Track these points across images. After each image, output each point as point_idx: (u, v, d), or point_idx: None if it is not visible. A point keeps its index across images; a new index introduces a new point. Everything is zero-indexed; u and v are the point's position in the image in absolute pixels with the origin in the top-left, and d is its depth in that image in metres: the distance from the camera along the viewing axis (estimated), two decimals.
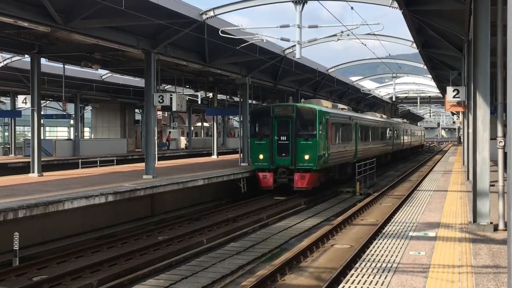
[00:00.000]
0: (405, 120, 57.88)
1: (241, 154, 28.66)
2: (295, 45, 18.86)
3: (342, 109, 30.05)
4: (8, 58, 28.54)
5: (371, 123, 35.18)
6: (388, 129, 42.23)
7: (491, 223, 10.63)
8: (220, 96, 42.01)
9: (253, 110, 25.65)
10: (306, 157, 22.48)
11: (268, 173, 23.02)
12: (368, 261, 8.53)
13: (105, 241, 14.32)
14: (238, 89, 31.32)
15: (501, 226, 10.64)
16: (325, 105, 26.40)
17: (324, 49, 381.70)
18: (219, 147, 42.02)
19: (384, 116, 45.53)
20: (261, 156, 23.20)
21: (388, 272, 7.80)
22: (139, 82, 36.87)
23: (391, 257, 8.72)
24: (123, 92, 42.07)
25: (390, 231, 10.97)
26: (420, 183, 23.41)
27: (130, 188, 16.71)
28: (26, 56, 23.04)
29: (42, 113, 27.67)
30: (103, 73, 35.37)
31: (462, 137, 36.48)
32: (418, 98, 58.74)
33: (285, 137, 22.97)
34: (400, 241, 9.92)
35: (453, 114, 75.44)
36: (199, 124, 68.97)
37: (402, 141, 50.27)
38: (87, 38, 19.23)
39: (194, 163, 31.22)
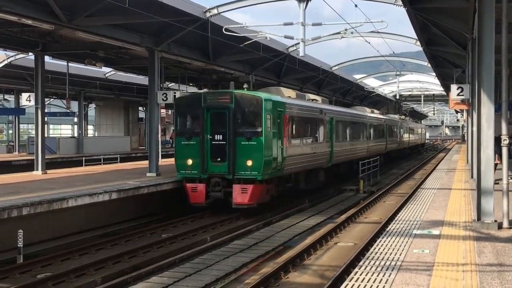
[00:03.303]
0: (403, 117, 53.93)
1: None
2: (298, 43, 18.83)
3: (312, 100, 24.67)
4: (12, 56, 28.63)
5: (355, 119, 30.11)
6: (380, 126, 37.55)
7: (495, 221, 10.61)
8: None
9: (179, 99, 19.49)
10: (249, 163, 17.15)
11: (199, 184, 17.64)
12: (372, 259, 8.52)
13: (109, 239, 14.34)
14: (242, 86, 31.28)
15: (505, 224, 10.62)
16: (287, 95, 21.39)
17: (326, 46, 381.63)
18: None
19: (376, 111, 41.27)
20: (189, 162, 17.83)
21: (392, 270, 7.79)
22: (142, 80, 36.91)
23: (395, 255, 8.71)
24: (126, 90, 42.16)
25: (393, 229, 10.96)
26: (424, 181, 23.37)
27: (133, 186, 16.74)
28: (30, 54, 23.13)
29: (46, 111, 27.71)
30: (106, 71, 35.43)
31: (466, 135, 36.49)
32: (422, 96, 58.71)
33: (221, 136, 17.60)
34: (404, 239, 9.91)
35: (457, 112, 75.28)
36: None
37: (398, 140, 45.70)
38: (90, 36, 19.26)
39: None
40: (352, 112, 30.81)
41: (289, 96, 21.33)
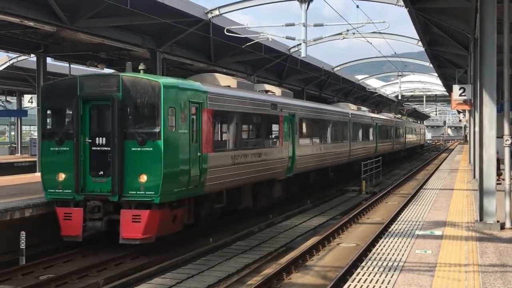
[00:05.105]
0: (398, 116, 50.61)
1: None
2: (300, 44, 18.83)
3: (266, 91, 20.00)
4: (14, 58, 28.65)
5: (330, 117, 25.10)
6: (368, 126, 32.95)
7: (497, 221, 10.60)
8: None
9: (46, 86, 14.42)
10: (142, 178, 12.12)
11: (74, 209, 12.56)
12: (374, 259, 8.51)
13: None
14: None
15: (507, 225, 10.61)
16: (225, 83, 16.83)
17: (327, 47, 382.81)
18: None
19: (363, 108, 37.19)
20: (60, 176, 12.79)
21: (394, 271, 7.78)
22: None
23: (397, 255, 8.70)
24: None
25: (396, 229, 10.95)
26: (426, 181, 23.35)
27: None
28: (32, 55, 23.14)
29: None
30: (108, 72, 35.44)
31: (468, 136, 36.43)
32: (424, 97, 58.69)
33: (103, 139, 12.53)
34: (406, 239, 9.90)
35: (459, 112, 75.22)
36: None
37: (392, 141, 41.82)
38: (92, 37, 19.29)
39: None
40: (325, 108, 25.30)
41: (228, 86, 16.77)
